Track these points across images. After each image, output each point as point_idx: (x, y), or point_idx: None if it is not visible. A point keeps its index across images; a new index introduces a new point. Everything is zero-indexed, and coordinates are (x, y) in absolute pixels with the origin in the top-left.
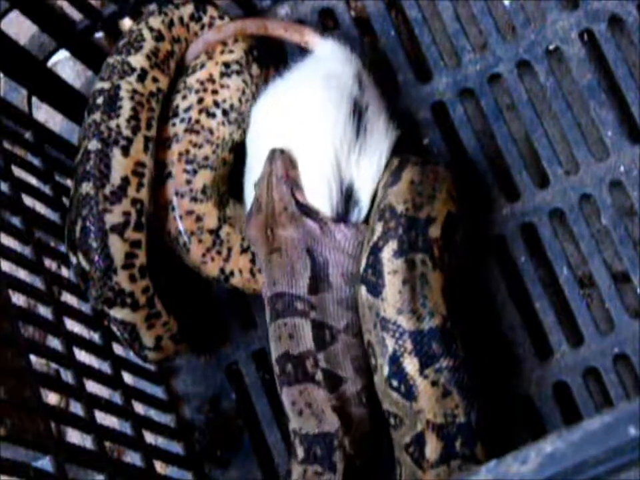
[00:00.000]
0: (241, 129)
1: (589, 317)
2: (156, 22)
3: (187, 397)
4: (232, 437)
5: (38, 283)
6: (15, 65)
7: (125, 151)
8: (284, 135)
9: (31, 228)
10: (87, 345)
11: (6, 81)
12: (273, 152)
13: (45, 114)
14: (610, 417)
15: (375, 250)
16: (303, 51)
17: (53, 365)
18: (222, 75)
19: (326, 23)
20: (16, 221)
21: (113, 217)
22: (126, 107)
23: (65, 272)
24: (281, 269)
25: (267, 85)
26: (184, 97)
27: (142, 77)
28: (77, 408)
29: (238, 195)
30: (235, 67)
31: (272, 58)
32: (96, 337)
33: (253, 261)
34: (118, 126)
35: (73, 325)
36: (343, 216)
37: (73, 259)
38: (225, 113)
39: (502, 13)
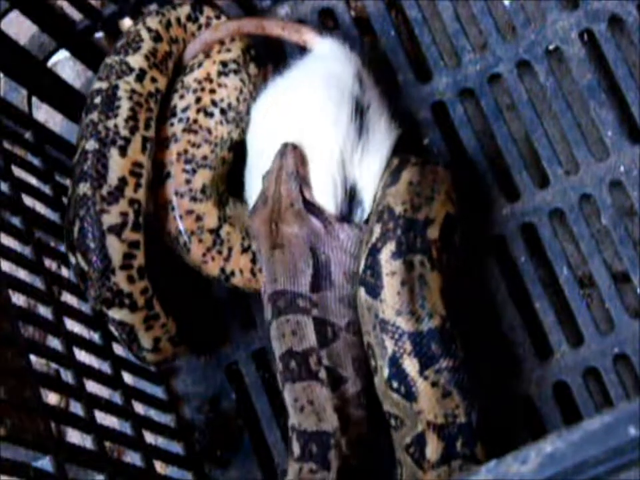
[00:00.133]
0: (239, 128)
1: (589, 317)
2: (153, 22)
3: (187, 396)
4: (232, 437)
5: (38, 282)
6: (15, 65)
7: (123, 151)
8: (286, 134)
9: (30, 228)
10: (87, 345)
11: (6, 80)
12: (285, 146)
13: (45, 114)
14: (610, 417)
15: (374, 251)
16: (302, 50)
17: (53, 365)
18: (219, 74)
19: (326, 22)
20: (16, 221)
21: (111, 218)
22: (124, 106)
23: (65, 272)
24: (283, 266)
25: (267, 84)
26: (182, 97)
27: (140, 77)
28: (77, 408)
29: (238, 194)
30: (232, 66)
31: (271, 56)
32: (96, 337)
33: (253, 261)
34: (116, 126)
35: (73, 325)
36: (346, 215)
37: (72, 259)
38: (222, 112)
39: (502, 13)
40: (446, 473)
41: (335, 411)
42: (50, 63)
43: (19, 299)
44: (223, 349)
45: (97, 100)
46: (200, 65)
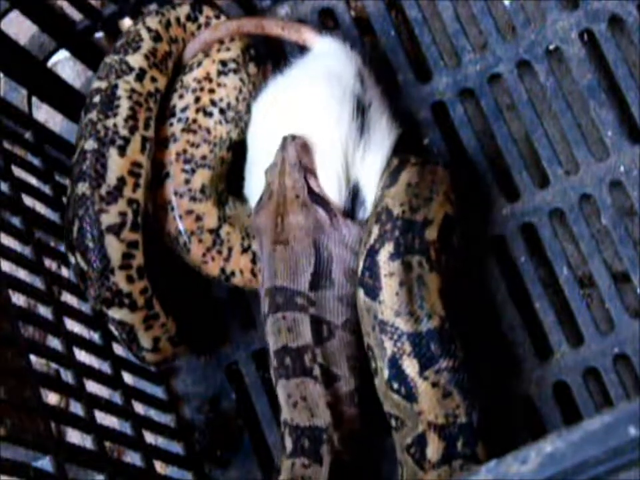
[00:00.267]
0: (238, 128)
1: (589, 317)
2: (153, 22)
3: (187, 396)
4: (232, 437)
5: (38, 282)
6: (15, 65)
7: (122, 151)
8: (287, 132)
9: (31, 228)
10: (87, 345)
11: (6, 80)
12: (285, 139)
13: (45, 114)
14: (610, 417)
15: (372, 252)
16: (301, 49)
17: (53, 365)
18: (219, 73)
19: (326, 22)
20: (16, 221)
21: (109, 218)
22: (124, 106)
23: (65, 272)
24: (284, 263)
25: (267, 83)
26: (181, 97)
27: (140, 77)
28: (77, 408)
29: (237, 194)
30: (231, 66)
31: (270, 55)
32: (96, 336)
33: (254, 261)
34: (115, 125)
35: (73, 325)
36: (349, 212)
37: (72, 259)
38: (222, 111)
39: (502, 13)
40: (447, 472)
41: (328, 407)
42: (50, 63)
43: (19, 299)
44: (222, 349)
45: (96, 99)
46: (199, 64)
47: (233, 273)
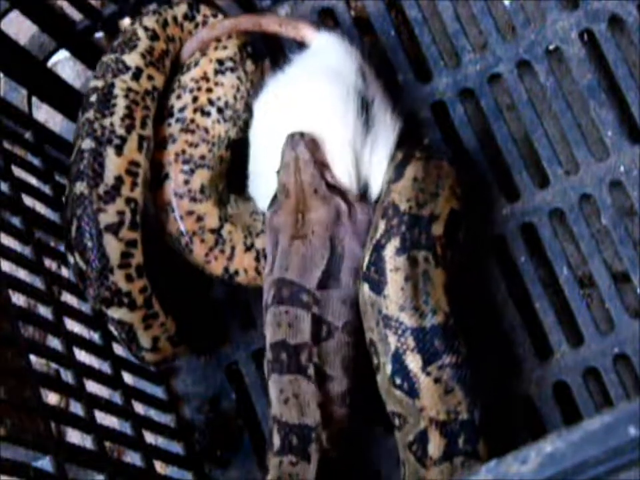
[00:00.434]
0: (236, 127)
1: (589, 317)
2: (150, 21)
3: (187, 396)
4: (232, 437)
5: (38, 283)
6: (15, 65)
7: (119, 150)
8: (292, 130)
9: (30, 228)
10: (87, 345)
11: (6, 80)
12: (293, 136)
13: (45, 114)
14: (610, 417)
15: (378, 247)
16: (300, 45)
17: (53, 365)
18: (216, 72)
19: (326, 22)
20: (16, 221)
21: (107, 217)
22: (120, 104)
23: (65, 272)
24: (298, 258)
25: (265, 79)
26: (178, 97)
27: (137, 75)
28: (77, 408)
29: (239, 192)
30: (228, 64)
31: (269, 51)
32: (96, 336)
33: (257, 259)
34: (112, 124)
35: (73, 325)
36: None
37: (71, 259)
38: (219, 110)
39: (502, 13)
40: (448, 469)
41: (319, 407)
42: (50, 63)
43: (19, 299)
44: (222, 349)
45: (93, 98)
46: (196, 63)
47: (236, 272)
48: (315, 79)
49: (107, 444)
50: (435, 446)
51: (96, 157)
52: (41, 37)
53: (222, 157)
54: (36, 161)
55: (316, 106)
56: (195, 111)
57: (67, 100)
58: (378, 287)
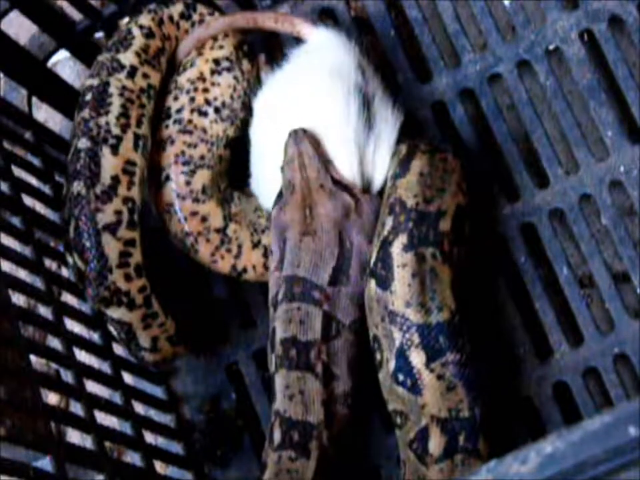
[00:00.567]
0: (234, 125)
1: (589, 316)
2: (146, 20)
3: (186, 396)
4: (232, 437)
5: (38, 283)
6: (15, 65)
7: (115, 150)
8: (294, 127)
9: (30, 228)
10: (87, 345)
11: (6, 80)
12: (296, 132)
13: (44, 114)
14: (610, 417)
15: (385, 244)
16: (296, 40)
17: (53, 365)
18: (212, 72)
19: (326, 23)
20: (16, 221)
21: (105, 216)
22: (115, 103)
23: (64, 272)
24: (309, 254)
25: (262, 75)
26: (175, 98)
27: (132, 74)
28: (76, 408)
29: (241, 190)
30: (225, 64)
31: (265, 46)
32: (96, 336)
33: (265, 255)
34: (107, 123)
35: (73, 325)
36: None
37: (70, 259)
38: (217, 110)
39: (502, 13)
40: (449, 467)
41: (323, 406)
42: (50, 63)
43: (19, 299)
44: (222, 349)
45: (88, 97)
46: (192, 64)
47: (244, 270)
48: (314, 76)
49: (107, 444)
50: (436, 444)
51: (92, 157)
52: (41, 36)
53: (221, 156)
54: (36, 161)
55: (317, 102)
56: (192, 111)
57: (67, 100)
58: (385, 283)
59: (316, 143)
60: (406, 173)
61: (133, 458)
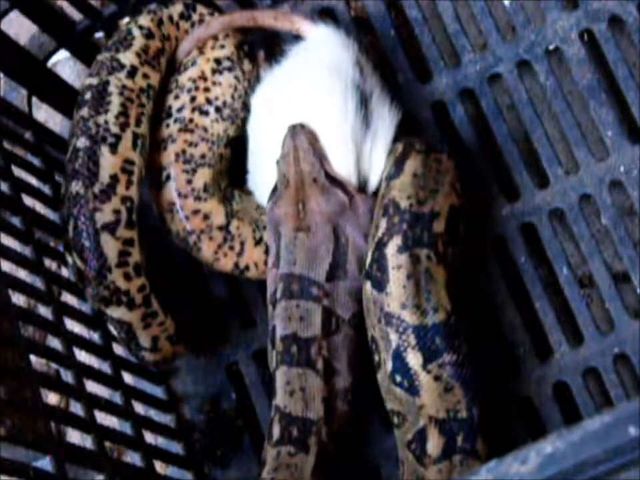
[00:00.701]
0: (234, 125)
1: (589, 316)
2: (145, 21)
3: (186, 396)
4: (232, 437)
5: (38, 283)
6: (15, 65)
7: (113, 149)
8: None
9: (30, 228)
10: (87, 345)
11: (6, 80)
12: (294, 127)
13: (45, 114)
14: (610, 417)
15: (380, 245)
16: (295, 36)
17: (53, 365)
18: (213, 72)
19: (326, 22)
20: (16, 221)
21: (104, 216)
22: (115, 102)
23: (64, 272)
24: (304, 251)
25: (261, 71)
26: (176, 97)
27: (132, 73)
28: (76, 408)
29: (241, 188)
30: (226, 64)
31: (264, 42)
32: (96, 336)
33: (267, 252)
34: (106, 122)
35: (73, 325)
36: (364, 189)
37: (69, 259)
38: (218, 110)
39: (502, 13)
40: (447, 467)
41: (323, 402)
42: (50, 63)
43: (19, 299)
44: (222, 349)
45: (87, 96)
46: (193, 63)
47: (247, 267)
48: (312, 72)
49: (107, 444)
50: (434, 444)
51: (91, 156)
52: (41, 37)
53: (222, 155)
54: (36, 161)
55: (314, 99)
56: (193, 110)
57: (67, 100)
58: (380, 284)
59: (313, 138)
60: (400, 173)
61: (133, 458)
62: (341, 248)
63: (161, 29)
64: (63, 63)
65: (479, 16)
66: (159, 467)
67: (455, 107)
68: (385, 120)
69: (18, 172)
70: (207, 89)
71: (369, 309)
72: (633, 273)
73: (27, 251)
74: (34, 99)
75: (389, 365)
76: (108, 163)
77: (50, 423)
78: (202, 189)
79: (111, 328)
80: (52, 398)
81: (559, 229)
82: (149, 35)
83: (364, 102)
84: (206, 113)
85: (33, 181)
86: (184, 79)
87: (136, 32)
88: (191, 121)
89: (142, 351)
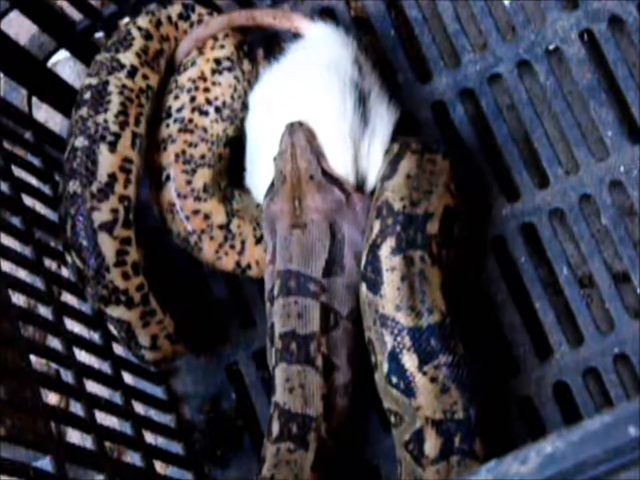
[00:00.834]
0: (234, 125)
1: (589, 316)
2: (144, 22)
3: (186, 396)
4: (232, 437)
5: (38, 283)
6: (15, 65)
7: (112, 147)
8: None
9: (30, 228)
10: (87, 345)
11: (6, 80)
12: (292, 125)
13: (45, 114)
14: (610, 417)
15: (374, 247)
16: (294, 34)
17: (53, 365)
18: (213, 72)
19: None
20: (16, 221)
21: (101, 215)
22: (115, 101)
23: (64, 272)
24: (300, 247)
25: (261, 69)
26: (176, 97)
27: (132, 74)
28: (76, 408)
29: (241, 187)
30: (226, 64)
31: (263, 40)
32: (96, 336)
33: None
34: (105, 121)
35: (73, 325)
36: (361, 188)
37: (68, 258)
38: (217, 110)
39: (502, 13)
40: (445, 468)
41: (322, 399)
42: (50, 63)
43: (19, 299)
44: (222, 349)
45: (87, 95)
46: (193, 63)
47: (248, 266)
48: (311, 70)
49: (107, 444)
50: (431, 445)
51: (89, 155)
52: (41, 37)
53: (221, 155)
54: (36, 161)
55: (313, 97)
56: (192, 110)
57: (67, 100)
58: (375, 286)
59: (310, 136)
60: (393, 174)
61: (133, 458)
62: (337, 244)
63: (159, 29)
64: (63, 63)
65: (479, 16)
66: (159, 466)
67: (454, 107)
68: (383, 118)
69: (18, 172)
70: (206, 89)
71: (365, 311)
72: (633, 273)
73: (27, 251)
74: (34, 99)
75: (385, 367)
76: (106, 162)
77: (50, 423)
78: (202, 189)
79: (111, 327)
80: (52, 398)
81: (559, 229)
82: (147, 36)
83: (362, 100)
84: (206, 113)
85: (33, 180)
86: (183, 79)
87: (135, 33)
88: (191, 121)
89: (141, 350)
